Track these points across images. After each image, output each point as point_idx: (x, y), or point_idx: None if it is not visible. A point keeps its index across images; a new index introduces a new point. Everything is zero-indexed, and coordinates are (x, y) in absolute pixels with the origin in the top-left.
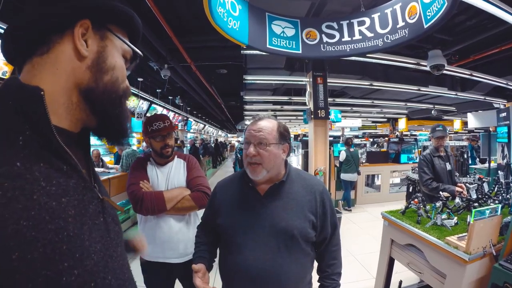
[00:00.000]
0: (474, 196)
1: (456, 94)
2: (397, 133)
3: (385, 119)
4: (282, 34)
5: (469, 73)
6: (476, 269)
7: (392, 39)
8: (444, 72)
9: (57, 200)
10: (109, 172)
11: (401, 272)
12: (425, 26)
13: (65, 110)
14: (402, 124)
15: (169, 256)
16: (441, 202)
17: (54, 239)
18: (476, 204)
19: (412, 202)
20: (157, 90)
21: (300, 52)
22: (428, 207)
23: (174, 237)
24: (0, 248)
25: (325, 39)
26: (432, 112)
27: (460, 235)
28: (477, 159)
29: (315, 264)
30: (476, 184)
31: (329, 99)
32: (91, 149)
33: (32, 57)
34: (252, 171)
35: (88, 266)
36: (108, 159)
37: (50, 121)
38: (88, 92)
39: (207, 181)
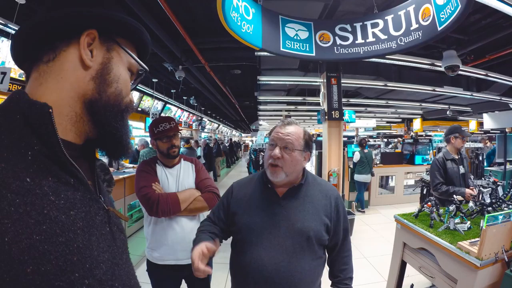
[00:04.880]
0: (488, 200)
1: (471, 95)
2: (411, 133)
3: (399, 120)
4: (295, 37)
5: (485, 73)
6: (488, 275)
7: (405, 41)
8: (459, 72)
9: (66, 213)
10: (124, 171)
11: (412, 275)
12: (439, 29)
13: (69, 122)
14: (417, 124)
15: (181, 257)
16: (454, 206)
17: (65, 251)
18: (490, 209)
19: (425, 205)
20: (172, 91)
21: (314, 54)
22: (441, 210)
23: (186, 237)
24: (16, 262)
25: (338, 41)
26: (447, 112)
27: (473, 240)
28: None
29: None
30: (490, 188)
31: (343, 100)
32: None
33: (39, 64)
34: (273, 172)
35: (98, 275)
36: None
37: (58, 137)
38: (91, 103)
39: (214, 182)
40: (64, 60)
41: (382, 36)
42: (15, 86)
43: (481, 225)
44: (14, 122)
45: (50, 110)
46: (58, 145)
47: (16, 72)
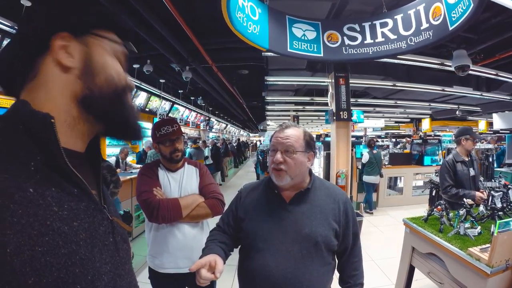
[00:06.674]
0: (499, 205)
1: (481, 94)
2: (420, 133)
3: (408, 120)
4: (303, 37)
5: (495, 73)
6: (498, 282)
7: (416, 41)
8: (469, 72)
9: (69, 224)
10: (131, 172)
11: (421, 279)
12: (450, 28)
13: (68, 127)
14: (425, 124)
15: (182, 265)
16: (464, 210)
17: (67, 263)
18: (500, 213)
19: (435, 209)
20: (179, 91)
21: (322, 55)
22: (451, 214)
23: (188, 245)
24: (17, 273)
25: (347, 41)
26: (457, 112)
27: (483, 246)
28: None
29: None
30: (501, 192)
31: (352, 100)
32: (121, 147)
33: (25, 85)
34: (277, 176)
35: (99, 287)
36: (130, 158)
37: (61, 147)
38: (85, 101)
39: (219, 188)
40: (46, 71)
41: (392, 36)
42: None
43: (491, 230)
44: (16, 132)
45: (52, 120)
46: (61, 155)
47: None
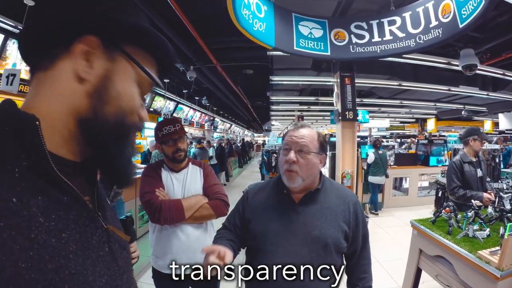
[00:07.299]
0: (508, 207)
1: (487, 94)
2: (425, 134)
3: (413, 120)
4: (309, 35)
5: (502, 72)
6: (508, 286)
7: (425, 39)
8: (476, 71)
9: (57, 236)
10: (135, 172)
11: (428, 281)
12: (460, 26)
13: (61, 138)
14: (431, 124)
15: None
16: (473, 211)
17: (55, 279)
18: (509, 215)
19: (443, 211)
20: (184, 91)
21: (329, 53)
22: (459, 216)
23: (191, 246)
24: None
25: (354, 39)
26: (462, 112)
27: (493, 249)
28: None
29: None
30: (510, 194)
31: (357, 100)
32: None
33: (38, 71)
34: (289, 178)
35: None
36: (134, 158)
37: (46, 151)
38: (84, 123)
39: (223, 189)
40: (60, 69)
41: (400, 34)
42: (27, 88)
43: (501, 232)
44: (0, 135)
45: (37, 122)
46: (47, 160)
47: (28, 73)
